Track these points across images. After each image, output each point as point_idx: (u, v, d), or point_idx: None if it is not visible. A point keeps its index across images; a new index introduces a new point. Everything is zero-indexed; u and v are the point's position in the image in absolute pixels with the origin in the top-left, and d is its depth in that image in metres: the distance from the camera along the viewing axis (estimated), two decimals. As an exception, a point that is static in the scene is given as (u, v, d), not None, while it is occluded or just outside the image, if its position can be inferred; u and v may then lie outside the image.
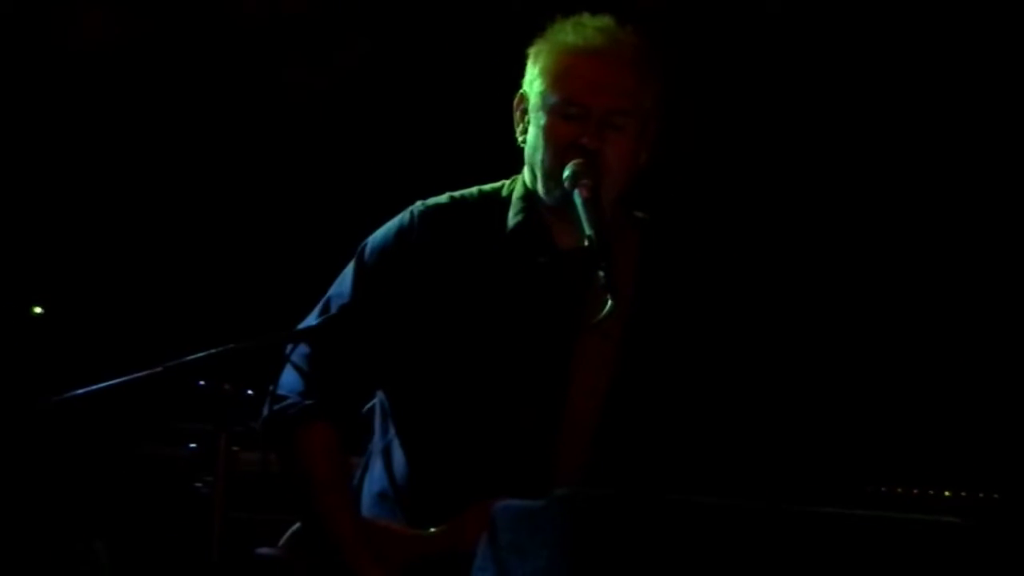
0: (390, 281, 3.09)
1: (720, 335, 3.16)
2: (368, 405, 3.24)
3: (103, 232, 5.48)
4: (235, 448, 3.45)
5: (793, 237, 5.17)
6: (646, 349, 3.07)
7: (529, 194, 3.12)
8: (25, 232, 5.50)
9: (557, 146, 3.01)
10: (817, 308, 5.12)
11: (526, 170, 3.13)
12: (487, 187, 3.21)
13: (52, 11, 5.40)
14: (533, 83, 3.07)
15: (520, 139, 3.12)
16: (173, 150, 5.47)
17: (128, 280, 5.46)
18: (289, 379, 3.11)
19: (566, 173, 2.96)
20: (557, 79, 3.03)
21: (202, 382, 2.94)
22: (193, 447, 4.73)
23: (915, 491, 3.13)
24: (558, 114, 3.02)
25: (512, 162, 3.20)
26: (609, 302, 2.82)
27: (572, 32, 3.05)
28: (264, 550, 3.21)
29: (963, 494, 3.09)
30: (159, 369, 2.81)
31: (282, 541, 3.12)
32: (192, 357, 2.76)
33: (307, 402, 3.08)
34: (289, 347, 3.09)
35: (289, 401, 3.09)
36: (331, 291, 3.16)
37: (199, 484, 3.62)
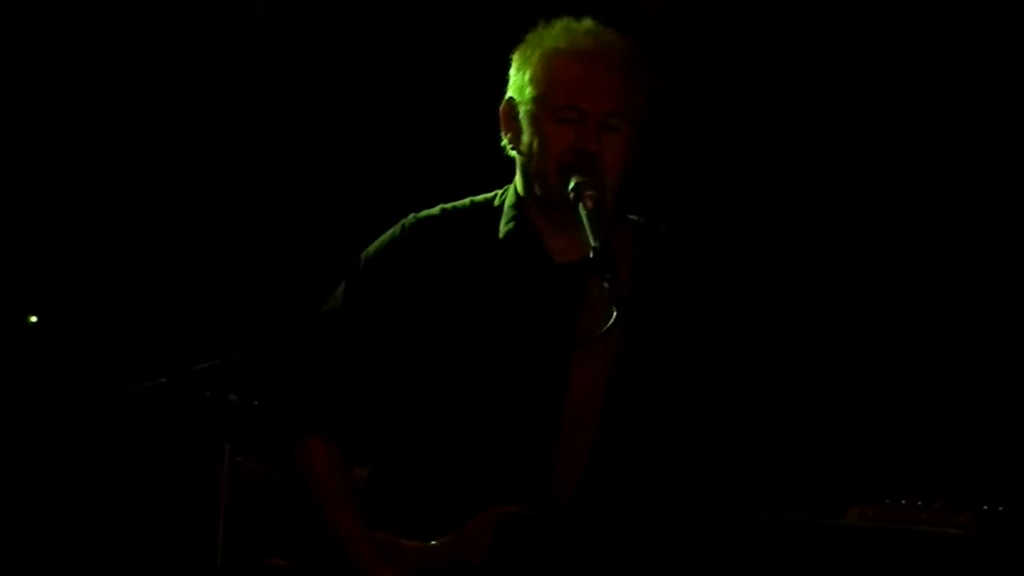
0: (384, 294, 3.09)
1: (717, 339, 3.15)
2: (375, 421, 3.24)
3: (110, 242, 5.48)
4: (239, 458, 3.46)
5: (791, 240, 5.16)
6: (643, 354, 3.06)
7: (521, 201, 3.11)
8: (31, 240, 5.50)
9: (554, 151, 3.00)
10: (815, 311, 5.11)
11: (518, 177, 3.12)
12: (479, 197, 3.21)
13: (57, 10, 5.40)
14: (524, 89, 3.06)
15: (509, 147, 3.12)
16: (178, 158, 5.47)
17: (133, 291, 5.46)
18: (288, 394, 3.11)
19: (571, 185, 2.96)
20: (551, 84, 3.02)
21: (207, 392, 2.95)
22: (197, 456, 4.73)
23: (919, 502, 3.12)
24: (554, 119, 3.01)
25: (506, 171, 3.18)
26: (614, 312, 2.82)
27: (563, 36, 3.04)
28: (269, 558, 3.22)
29: (959, 505, 3.08)
30: (164, 379, 2.82)
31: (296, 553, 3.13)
32: (197, 367, 2.76)
33: (306, 416, 3.08)
34: (287, 362, 3.09)
35: (288, 415, 3.09)
36: (326, 305, 3.16)
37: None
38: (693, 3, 5.04)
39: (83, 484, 5.12)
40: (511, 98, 3.02)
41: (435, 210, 3.11)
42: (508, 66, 3.08)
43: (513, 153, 3.05)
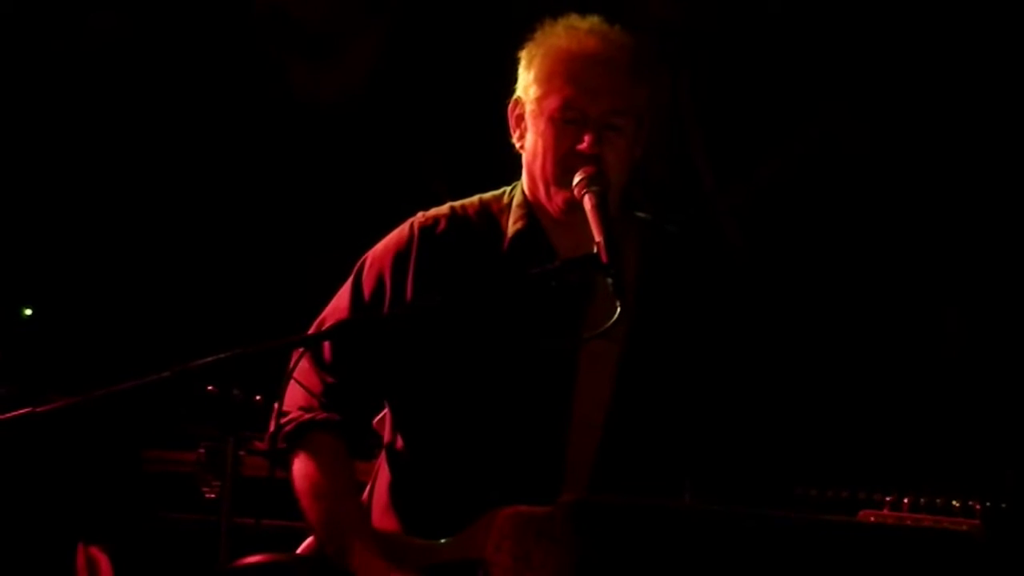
0: (389, 295, 3.09)
1: (722, 337, 3.15)
2: (378, 417, 3.24)
3: (114, 237, 5.48)
4: (242, 453, 3.45)
5: (795, 239, 5.17)
6: (649, 351, 3.07)
7: (528, 201, 3.12)
8: (33, 235, 5.50)
9: (557, 153, 3.01)
10: (822, 310, 5.12)
11: (525, 176, 3.12)
12: (488, 195, 3.21)
13: (60, 11, 5.40)
14: (528, 89, 3.07)
15: (517, 145, 3.12)
16: (183, 154, 5.47)
17: (137, 285, 5.46)
18: (293, 394, 3.11)
19: (575, 181, 2.96)
20: (553, 85, 3.03)
21: (210, 387, 2.94)
22: (201, 452, 4.73)
23: (923, 500, 3.12)
24: (556, 120, 3.02)
25: (514, 168, 3.19)
26: (618, 309, 2.82)
27: (564, 36, 3.05)
28: (272, 554, 3.21)
29: (972, 504, 3.08)
30: (167, 374, 2.81)
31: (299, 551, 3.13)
32: (201, 362, 2.76)
33: (310, 415, 3.08)
34: (292, 362, 3.09)
35: (293, 415, 3.09)
36: (330, 305, 3.16)
37: (206, 489, 3.62)
38: (700, 5, 5.04)
39: (84, 479, 5.12)
40: (518, 97, 3.03)
41: (443, 208, 3.12)
42: (517, 64, 3.09)
43: (520, 151, 3.06)
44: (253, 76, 5.38)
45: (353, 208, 5.22)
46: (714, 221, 4.74)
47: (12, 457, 5.07)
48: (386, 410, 3.21)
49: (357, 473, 3.21)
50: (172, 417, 4.80)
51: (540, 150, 3.02)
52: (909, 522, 2.92)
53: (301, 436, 3.06)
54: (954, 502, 3.07)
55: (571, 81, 3.01)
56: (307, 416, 3.07)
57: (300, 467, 3.07)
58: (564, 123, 3.01)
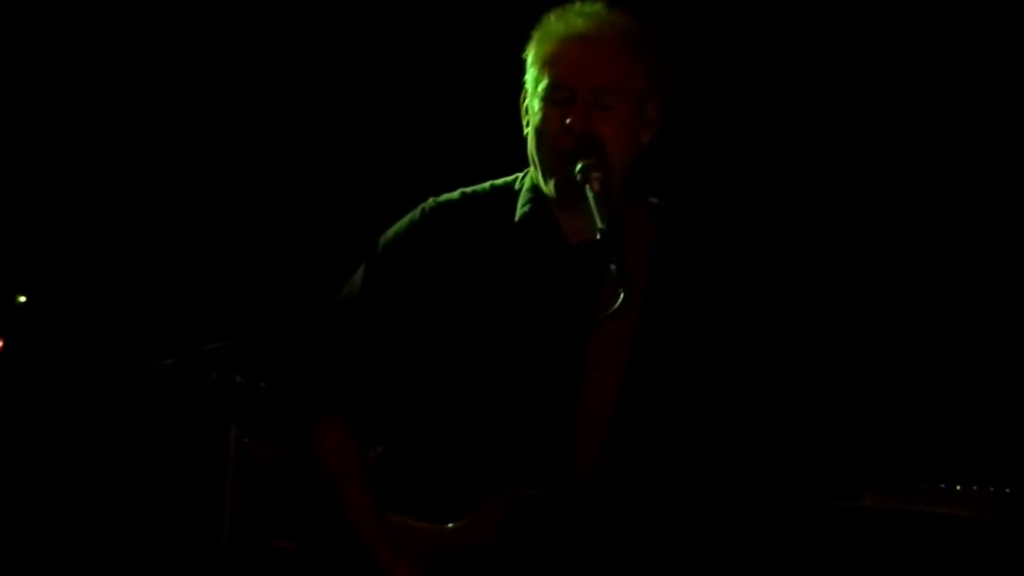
0: (402, 277, 3.10)
1: (734, 324, 3.15)
2: (389, 403, 3.24)
3: (119, 225, 5.49)
4: (245, 439, 3.46)
5: (803, 232, 5.17)
6: (659, 338, 3.07)
7: (536, 185, 3.13)
8: (34, 223, 5.50)
9: (548, 133, 3.01)
10: (833, 298, 5.12)
11: (531, 162, 3.14)
12: (499, 181, 3.22)
13: (63, 8, 5.40)
14: (529, 74, 3.09)
15: (525, 132, 3.14)
16: (188, 142, 5.47)
17: (142, 272, 5.46)
18: (303, 376, 3.12)
19: (577, 167, 2.96)
20: (544, 66, 3.04)
21: (214, 374, 2.95)
22: (204, 438, 4.74)
23: (942, 485, 3.12)
24: (547, 100, 3.03)
25: (525, 157, 3.20)
26: (621, 295, 2.82)
27: (557, 21, 3.06)
28: (275, 541, 3.22)
29: (975, 489, 3.08)
30: (171, 360, 2.82)
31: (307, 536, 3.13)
32: (205, 348, 2.76)
33: (321, 397, 3.08)
34: (303, 344, 3.10)
35: (303, 397, 3.09)
36: (344, 288, 3.17)
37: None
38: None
39: (89, 466, 5.13)
40: (524, 83, 3.06)
41: (455, 194, 3.12)
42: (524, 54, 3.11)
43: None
44: (260, 65, 5.39)
45: (364, 193, 5.22)
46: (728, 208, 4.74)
47: (12, 446, 5.08)
48: (397, 393, 3.21)
49: (368, 458, 3.22)
50: (176, 403, 4.81)
51: (534, 133, 3.04)
52: (918, 506, 2.93)
53: (312, 420, 3.07)
54: (966, 488, 3.08)
55: (559, 61, 3.02)
56: (319, 400, 3.07)
57: (309, 449, 3.08)
58: (553, 103, 3.01)
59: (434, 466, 3.00)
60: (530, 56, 3.04)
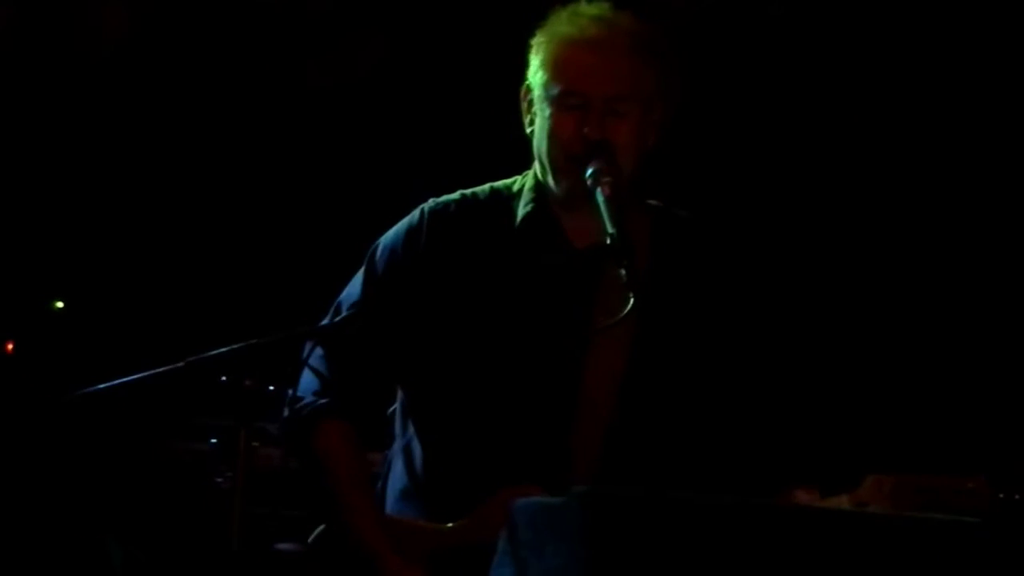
0: (401, 280, 3.10)
1: (733, 325, 3.15)
2: (392, 407, 3.25)
3: (127, 229, 5.50)
4: (255, 443, 3.46)
5: (803, 230, 5.17)
6: (659, 338, 3.07)
7: (539, 185, 3.13)
8: (48, 228, 5.52)
9: (561, 138, 3.02)
10: (831, 299, 5.12)
11: (536, 162, 3.14)
12: (499, 183, 3.22)
13: (71, 7, 5.41)
14: (536, 75, 3.09)
15: (528, 131, 3.13)
16: (194, 148, 5.49)
17: (151, 276, 5.47)
18: (306, 381, 3.12)
19: (588, 171, 2.96)
20: (556, 70, 3.05)
21: (223, 378, 2.95)
22: (213, 442, 4.74)
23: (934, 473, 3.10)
24: (560, 105, 3.04)
25: (525, 158, 3.20)
26: (631, 301, 2.82)
27: (568, 22, 3.06)
28: (284, 545, 3.22)
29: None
30: (181, 364, 2.82)
31: (310, 539, 3.13)
32: (213, 353, 2.76)
33: (323, 401, 3.09)
34: (305, 349, 3.10)
35: (306, 401, 3.10)
36: (344, 292, 3.17)
37: (219, 479, 3.62)
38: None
39: (98, 468, 5.13)
40: (528, 83, 3.04)
41: (454, 196, 3.13)
42: (522, 55, 3.10)
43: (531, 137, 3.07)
44: (264, 67, 5.39)
45: (365, 196, 5.22)
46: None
47: (25, 449, 5.08)
48: (399, 398, 3.21)
49: (371, 463, 3.22)
50: (186, 408, 4.81)
51: (544, 135, 3.04)
52: (921, 494, 2.92)
53: (313, 424, 3.07)
54: (964, 478, 3.06)
55: (573, 66, 3.03)
56: (320, 404, 3.07)
57: (312, 453, 3.08)
58: (567, 108, 3.02)
59: (436, 467, 3.00)
60: (539, 57, 3.03)
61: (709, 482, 3.05)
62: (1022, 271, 4.98)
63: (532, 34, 3.12)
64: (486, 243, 3.10)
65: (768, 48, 5.11)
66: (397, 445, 3.18)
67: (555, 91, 3.02)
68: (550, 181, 3.05)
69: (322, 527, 3.12)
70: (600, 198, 2.93)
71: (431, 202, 3.18)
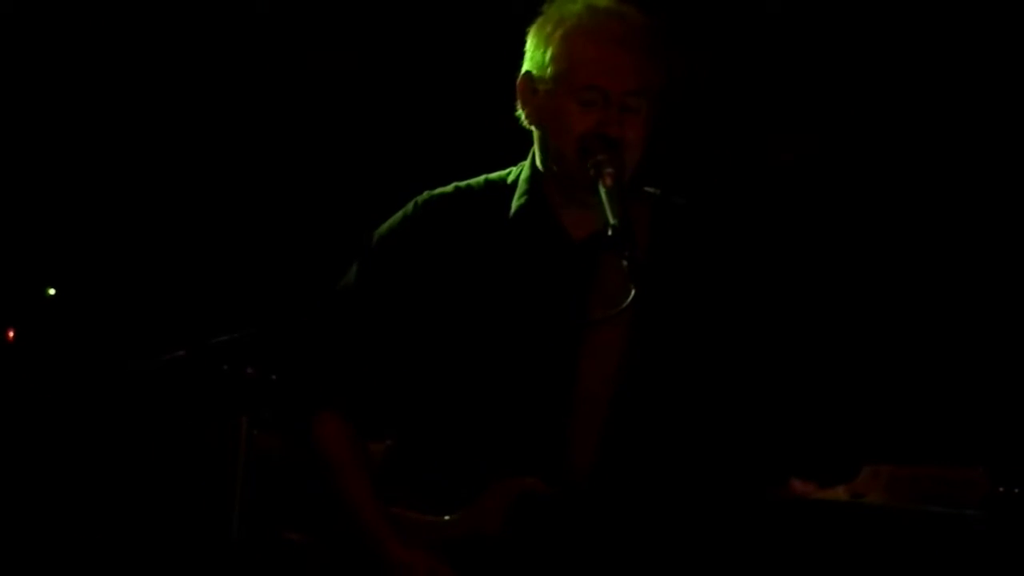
0: (395, 270, 3.10)
1: (731, 314, 3.14)
2: (390, 399, 3.25)
3: (128, 216, 5.50)
4: (256, 431, 3.47)
5: (801, 221, 5.17)
6: (656, 329, 3.07)
7: (536, 176, 3.11)
8: (47, 215, 5.52)
9: (577, 132, 3.00)
10: (829, 289, 5.12)
11: (536, 152, 3.12)
12: (494, 175, 3.21)
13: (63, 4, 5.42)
14: (545, 67, 3.06)
15: (526, 122, 3.12)
16: (191, 136, 5.49)
17: (152, 265, 5.48)
18: (303, 369, 3.13)
19: (590, 163, 2.96)
20: (573, 64, 3.02)
21: (225, 366, 2.97)
22: (215, 430, 4.75)
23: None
24: (576, 100, 3.01)
25: (520, 151, 3.19)
26: (632, 293, 2.82)
27: (584, 14, 3.04)
28: (286, 533, 3.23)
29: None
30: (182, 352, 2.84)
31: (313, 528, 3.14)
32: (215, 341, 2.78)
33: (320, 391, 3.09)
34: (302, 339, 3.11)
35: (303, 391, 3.10)
36: (340, 283, 3.17)
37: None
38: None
39: (101, 457, 5.14)
40: (529, 73, 3.02)
41: (448, 188, 3.12)
42: (520, 40, 3.08)
43: (531, 127, 3.06)
44: (262, 58, 5.40)
45: (362, 187, 5.23)
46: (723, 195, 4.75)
47: (24, 439, 5.09)
48: (395, 387, 3.22)
49: (369, 453, 3.23)
50: (187, 395, 4.82)
51: (556, 129, 3.02)
52: (918, 484, 2.92)
53: (313, 413, 3.08)
54: (963, 469, 3.07)
55: (593, 61, 3.00)
56: (319, 393, 3.08)
57: (312, 443, 3.09)
58: (583, 104, 3.01)
59: (433, 459, 3.01)
60: (551, 49, 2.99)
61: (706, 473, 3.05)
62: (1020, 262, 4.98)
63: (530, 23, 3.09)
64: (481, 234, 3.09)
65: (767, 47, 5.11)
66: (394, 436, 3.19)
67: (571, 85, 3.00)
68: (553, 171, 3.04)
69: (324, 516, 3.13)
70: (602, 189, 2.92)
71: (426, 194, 3.17)
